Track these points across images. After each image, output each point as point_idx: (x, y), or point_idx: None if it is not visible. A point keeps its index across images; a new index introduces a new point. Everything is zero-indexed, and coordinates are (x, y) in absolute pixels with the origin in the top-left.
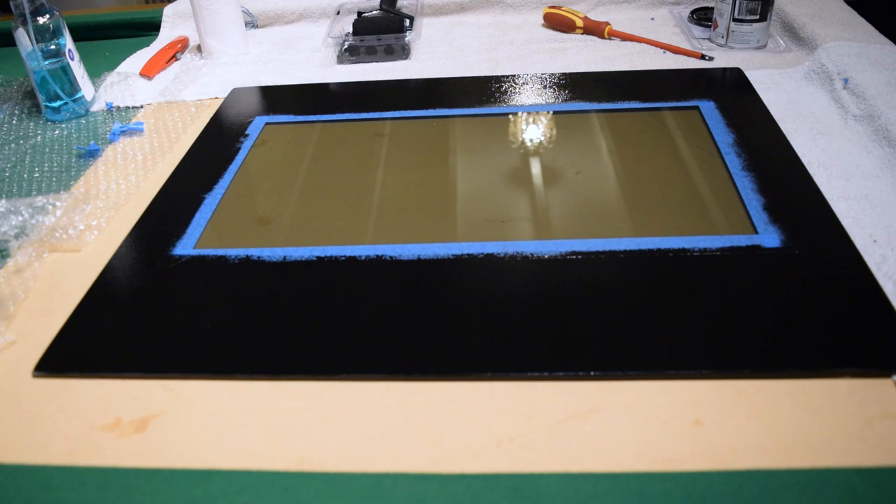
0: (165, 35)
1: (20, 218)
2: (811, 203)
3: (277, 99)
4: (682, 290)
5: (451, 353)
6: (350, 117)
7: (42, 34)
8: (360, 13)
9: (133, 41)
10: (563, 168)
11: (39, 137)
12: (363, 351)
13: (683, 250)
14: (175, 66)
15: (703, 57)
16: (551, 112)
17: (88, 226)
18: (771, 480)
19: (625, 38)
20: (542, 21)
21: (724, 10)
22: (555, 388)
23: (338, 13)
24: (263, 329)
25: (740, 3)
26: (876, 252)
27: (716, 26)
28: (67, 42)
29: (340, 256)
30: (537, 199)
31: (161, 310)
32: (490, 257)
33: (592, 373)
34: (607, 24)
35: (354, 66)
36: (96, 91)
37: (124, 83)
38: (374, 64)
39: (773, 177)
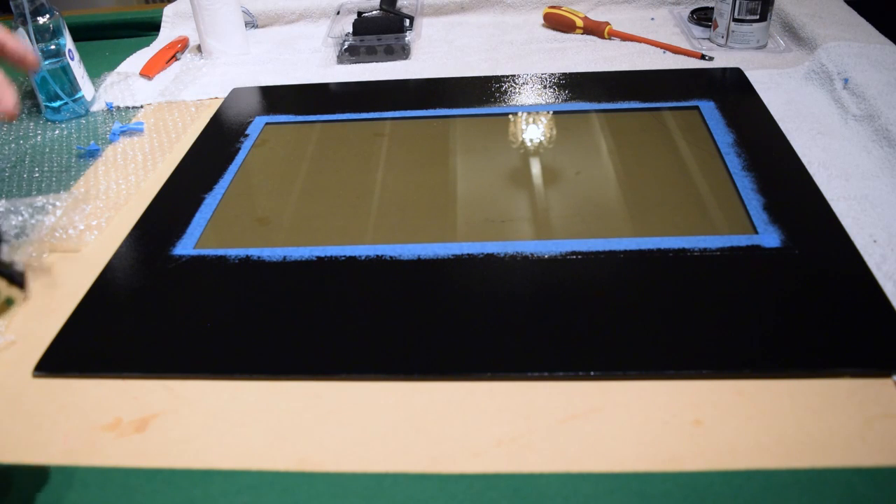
0: (165, 35)
1: (20, 218)
2: (811, 203)
3: (277, 99)
4: (682, 290)
5: (451, 353)
6: (350, 117)
7: (42, 34)
8: (360, 13)
9: (133, 41)
10: (563, 168)
11: (39, 137)
12: (363, 351)
13: (683, 250)
14: (175, 66)
15: (703, 57)
16: (551, 112)
17: (88, 226)
18: (771, 480)
19: (625, 38)
20: (542, 21)
21: (724, 10)
22: (555, 388)
23: (338, 13)
24: (263, 329)
25: (740, 3)
26: (876, 252)
27: (716, 26)
28: (67, 42)
29: (340, 256)
30: (537, 199)
31: (161, 310)
32: (490, 257)
33: (592, 373)
34: (607, 24)
35: (354, 66)
36: (96, 91)
37: (124, 83)
38: (374, 64)
39: (773, 177)
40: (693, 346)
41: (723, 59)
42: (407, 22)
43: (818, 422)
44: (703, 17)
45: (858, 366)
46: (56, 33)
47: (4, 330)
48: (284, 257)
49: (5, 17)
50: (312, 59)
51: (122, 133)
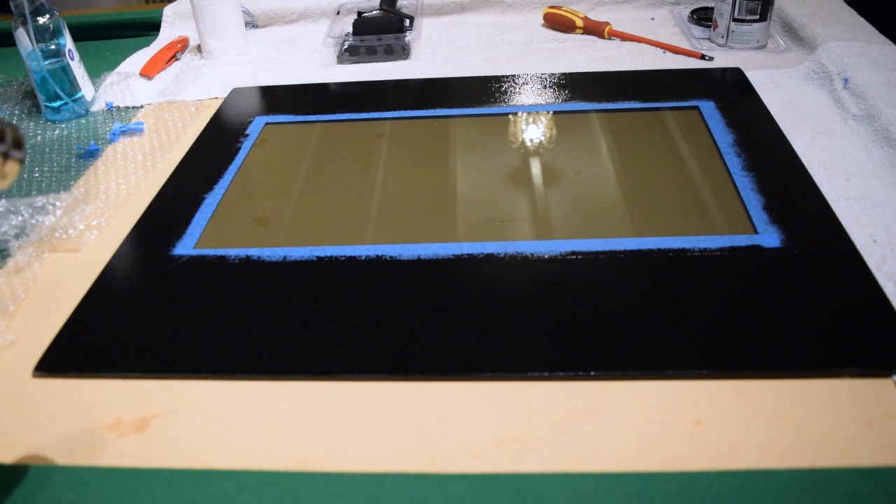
0: (165, 35)
1: (20, 218)
2: (811, 203)
3: (277, 99)
4: (682, 290)
5: (451, 353)
6: (350, 117)
7: (42, 34)
8: (360, 13)
9: (133, 41)
10: (563, 168)
11: (39, 137)
12: (363, 351)
13: (683, 250)
14: (175, 66)
15: (703, 57)
16: (551, 112)
17: (88, 226)
18: (771, 480)
19: (625, 38)
20: (542, 21)
21: (724, 10)
22: (555, 388)
23: (338, 13)
24: (263, 329)
25: (740, 3)
26: (876, 252)
27: (716, 26)
28: (67, 42)
29: (340, 256)
30: (537, 199)
31: (161, 310)
32: (490, 257)
33: (592, 373)
34: (607, 24)
35: (354, 66)
36: (96, 91)
37: (124, 83)
38: (374, 64)
39: (773, 177)
40: (693, 346)
41: (723, 59)
42: (407, 22)
43: (818, 422)
44: (703, 17)
45: (858, 366)
46: (56, 33)
47: (4, 330)
48: (284, 257)
49: (5, 17)
50: (312, 59)
51: (122, 133)
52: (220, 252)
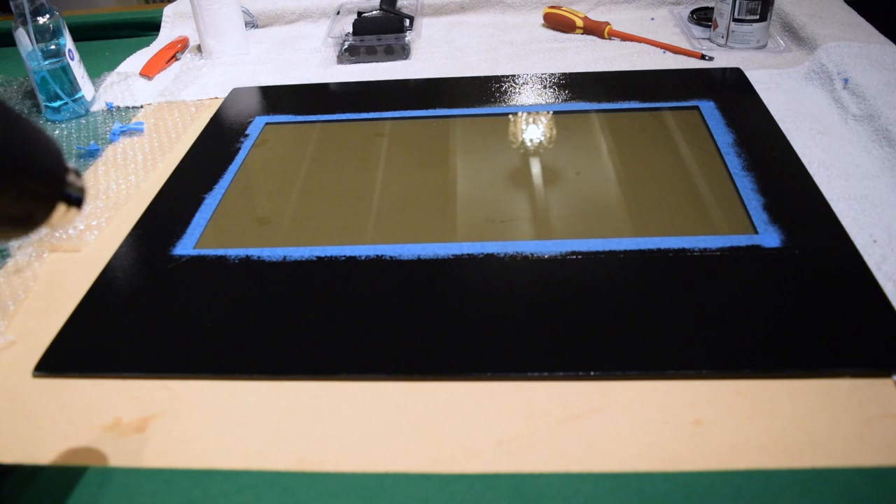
0: (165, 35)
1: None
2: (811, 203)
3: (277, 99)
4: (682, 290)
5: (451, 353)
6: (350, 117)
7: (42, 34)
8: (360, 13)
9: (133, 41)
10: (563, 168)
11: None
12: (363, 351)
13: (683, 250)
14: (175, 66)
15: (703, 57)
16: (551, 112)
17: (88, 226)
18: (771, 480)
19: (625, 38)
20: (542, 21)
21: (724, 10)
22: (555, 388)
23: (338, 13)
24: (263, 329)
25: (740, 3)
26: (876, 252)
27: (716, 26)
28: (67, 42)
29: (340, 256)
30: (537, 199)
31: (161, 310)
32: (490, 257)
33: (592, 373)
34: (607, 24)
35: (354, 66)
36: (96, 91)
37: (124, 83)
38: (374, 64)
39: (773, 177)
40: (693, 346)
41: (723, 59)
42: (407, 22)
43: (818, 422)
44: (703, 17)
45: (858, 366)
46: (56, 33)
47: (4, 330)
48: (284, 257)
49: (5, 17)
50: (312, 59)
51: (122, 133)
52: (220, 252)
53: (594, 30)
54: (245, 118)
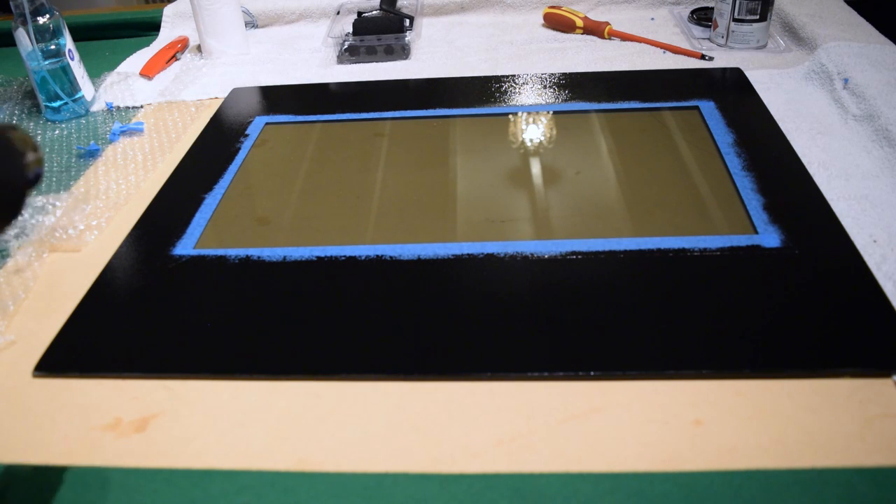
0: (165, 35)
1: (20, 218)
2: (811, 203)
3: (277, 99)
4: (682, 290)
5: (451, 353)
6: (350, 117)
7: (42, 34)
8: (360, 13)
9: (133, 41)
10: (563, 168)
11: (39, 137)
12: (363, 351)
13: (683, 250)
14: (175, 66)
15: (703, 57)
16: (551, 112)
17: (88, 226)
18: (771, 480)
19: (625, 38)
20: (542, 21)
21: (724, 10)
22: (555, 388)
23: (338, 13)
24: (263, 329)
25: (740, 3)
26: (876, 252)
27: (716, 26)
28: (67, 42)
29: (340, 256)
30: (537, 199)
31: (161, 310)
32: (490, 257)
33: (592, 373)
34: (607, 24)
35: (354, 66)
36: (96, 91)
37: (124, 83)
38: (374, 64)
39: (773, 177)
40: (693, 346)
41: (723, 59)
42: (407, 22)
43: (818, 422)
44: (703, 17)
45: (858, 366)
46: (56, 33)
47: (4, 330)
48: (284, 257)
49: (5, 17)
50: (312, 59)
51: (122, 133)
52: (220, 252)
53: (594, 30)
54: (245, 118)
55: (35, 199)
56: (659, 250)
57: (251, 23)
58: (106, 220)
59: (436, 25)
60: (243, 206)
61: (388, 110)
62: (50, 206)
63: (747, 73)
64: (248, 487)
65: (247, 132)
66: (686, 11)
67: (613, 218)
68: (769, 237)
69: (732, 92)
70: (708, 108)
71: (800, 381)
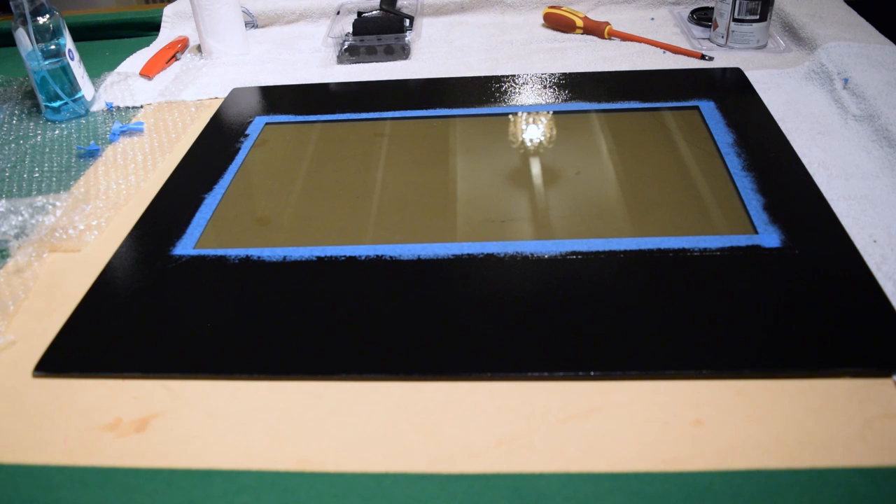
0: (165, 35)
1: (20, 218)
2: (811, 203)
3: (277, 99)
4: (682, 290)
5: (451, 353)
6: (350, 117)
7: (42, 34)
8: (360, 13)
9: (133, 41)
10: (563, 168)
11: (39, 137)
12: (363, 351)
13: (683, 250)
14: (175, 66)
15: (703, 57)
16: (551, 112)
17: (88, 226)
18: (771, 480)
19: (625, 38)
20: (542, 21)
21: (724, 10)
22: (555, 388)
23: (338, 13)
24: (263, 329)
25: (740, 3)
26: (876, 252)
27: (716, 26)
28: (67, 42)
29: (340, 256)
30: (537, 199)
31: (161, 310)
32: (490, 257)
33: (592, 373)
34: (607, 24)
35: (354, 66)
36: (96, 91)
37: (124, 83)
38: (374, 64)
39: (773, 177)
40: (693, 346)
41: (723, 59)
42: (407, 22)
43: (818, 422)
44: (703, 17)
45: (858, 366)
46: (56, 33)
47: (4, 330)
48: (284, 257)
49: (5, 17)
50: (312, 59)
51: (122, 133)
52: (220, 252)
53: (594, 30)
54: (245, 118)
55: (35, 199)
56: (659, 250)
57: (251, 23)
58: (106, 220)
59: (436, 25)
60: (243, 206)
61: (388, 110)
62: (50, 206)
63: (747, 73)
64: (249, 487)
65: (247, 132)
66: (686, 11)
67: (613, 218)
68: (769, 237)
69: (732, 92)
70: (708, 108)
71: (800, 381)
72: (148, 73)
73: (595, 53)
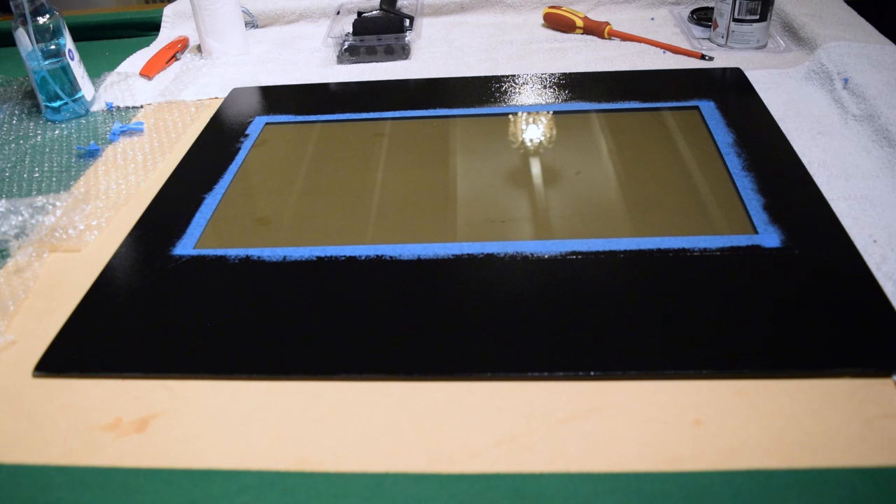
0: (165, 35)
1: (20, 218)
2: (811, 203)
3: (277, 99)
4: (682, 290)
5: (451, 353)
6: (350, 117)
7: (42, 34)
8: (360, 13)
9: (133, 41)
10: (563, 168)
11: (39, 137)
12: (363, 351)
13: (683, 250)
14: (175, 66)
15: (703, 57)
16: (551, 112)
17: (88, 226)
18: (771, 480)
19: (625, 38)
20: (542, 21)
21: (724, 10)
22: (555, 388)
23: (338, 13)
24: (263, 329)
25: (740, 3)
26: (876, 252)
27: (716, 26)
28: (67, 42)
29: (340, 256)
30: (537, 199)
31: (161, 310)
32: (490, 257)
33: (592, 373)
34: (607, 24)
35: (354, 66)
36: (96, 91)
37: (124, 83)
38: (374, 64)
39: (773, 177)
40: (693, 346)
41: (723, 59)
42: (407, 22)
43: (818, 422)
44: (703, 17)
45: (858, 366)
46: (56, 33)
47: (4, 330)
48: (284, 257)
49: (5, 17)
50: (312, 59)
51: (122, 133)
52: (220, 252)
53: (594, 30)
54: (245, 118)
55: (35, 199)
56: (659, 250)
57: (251, 23)
58: (106, 220)
59: (436, 25)
60: (243, 206)
61: (388, 110)
62: (50, 206)
63: (747, 73)
64: (249, 487)
65: (247, 132)
66: (686, 11)
67: (613, 218)
68: (769, 237)
69: (732, 92)
70: (708, 108)
71: (800, 381)
72: (148, 73)
73: (595, 53)
